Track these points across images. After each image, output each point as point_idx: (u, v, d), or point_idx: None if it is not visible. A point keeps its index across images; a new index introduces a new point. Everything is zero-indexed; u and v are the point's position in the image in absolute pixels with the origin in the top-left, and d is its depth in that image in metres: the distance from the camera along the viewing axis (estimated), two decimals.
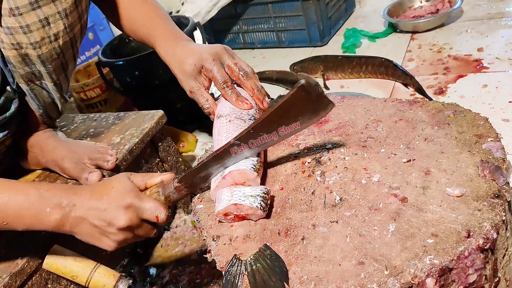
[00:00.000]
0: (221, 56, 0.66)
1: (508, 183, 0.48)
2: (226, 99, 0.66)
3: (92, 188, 0.56)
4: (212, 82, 0.68)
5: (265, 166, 0.61)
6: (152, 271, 1.01)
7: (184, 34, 0.75)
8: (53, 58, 0.71)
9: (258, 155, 0.57)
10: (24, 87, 0.75)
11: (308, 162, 0.58)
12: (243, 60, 0.69)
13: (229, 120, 0.61)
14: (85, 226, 0.54)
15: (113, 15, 0.80)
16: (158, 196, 0.56)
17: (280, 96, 1.48)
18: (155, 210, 0.54)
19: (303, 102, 0.50)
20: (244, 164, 0.54)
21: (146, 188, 0.57)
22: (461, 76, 1.32)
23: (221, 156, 0.54)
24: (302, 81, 0.49)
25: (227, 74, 0.66)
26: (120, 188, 0.54)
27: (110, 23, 2.08)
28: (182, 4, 1.77)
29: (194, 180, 0.56)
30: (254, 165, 0.55)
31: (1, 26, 0.65)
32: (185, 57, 0.68)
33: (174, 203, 0.57)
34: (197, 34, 1.43)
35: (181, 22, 1.46)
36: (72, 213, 0.53)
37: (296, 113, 0.52)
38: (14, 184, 0.56)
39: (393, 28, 1.70)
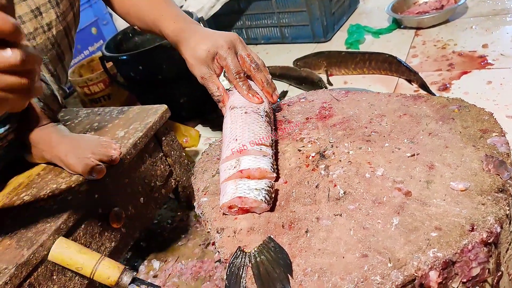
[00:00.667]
0: (235, 45, 0.66)
1: None
2: (237, 90, 0.65)
3: None
4: (224, 71, 0.67)
5: None
6: (156, 264, 1.01)
7: (190, 17, 0.74)
8: (48, 49, 0.71)
9: (274, 156, 0.57)
10: None
11: (312, 156, 0.58)
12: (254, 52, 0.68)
13: (245, 112, 0.61)
14: None
15: (116, 2, 0.79)
16: None
17: (283, 92, 1.48)
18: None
19: None
20: (264, 163, 0.54)
21: None
22: (465, 73, 1.31)
23: None
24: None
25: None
26: None
27: (113, 18, 2.09)
28: None
29: None
30: (273, 165, 0.54)
31: None
32: (199, 42, 0.66)
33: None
34: None
35: None
36: None
37: None
38: None
39: (397, 24, 1.69)
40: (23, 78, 0.36)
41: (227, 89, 0.70)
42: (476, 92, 1.21)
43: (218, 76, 0.68)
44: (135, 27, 0.81)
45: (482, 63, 1.32)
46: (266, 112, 0.63)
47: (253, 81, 0.67)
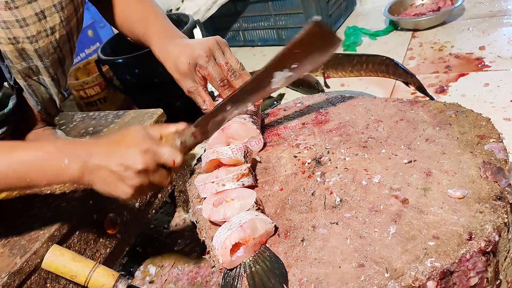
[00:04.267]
0: (214, 53, 0.65)
1: (510, 184, 0.47)
2: (222, 97, 0.66)
3: (109, 138, 0.58)
4: (209, 82, 0.67)
5: (265, 166, 0.60)
6: (152, 269, 1.00)
7: (179, 31, 0.74)
8: (50, 53, 0.70)
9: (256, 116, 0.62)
10: (21, 82, 0.74)
11: (308, 163, 0.57)
12: (235, 56, 0.68)
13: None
14: (103, 173, 0.54)
15: (109, 14, 0.80)
16: (174, 142, 0.57)
17: (280, 95, 1.48)
18: (172, 154, 0.54)
19: (316, 38, 0.53)
20: (241, 118, 0.56)
21: (161, 138, 0.58)
22: (462, 75, 1.31)
23: (236, 99, 0.56)
24: (316, 17, 0.53)
25: None
26: (137, 135, 0.54)
27: None
28: (182, 1, 1.76)
29: (209, 125, 0.59)
30: (254, 122, 0.56)
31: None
32: (178, 55, 0.66)
33: (189, 150, 0.58)
34: (197, 32, 1.42)
35: (181, 20, 1.45)
36: (90, 161, 0.53)
37: (309, 50, 0.54)
38: (30, 143, 0.58)
39: (394, 26, 1.69)
40: (171, 175, 0.55)
41: (216, 96, 0.69)
42: (474, 95, 1.21)
43: (205, 87, 0.68)
44: (128, 38, 0.80)
45: (479, 65, 1.32)
46: (252, 116, 0.64)
47: None
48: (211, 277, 0.93)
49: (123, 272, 1.01)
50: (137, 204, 0.93)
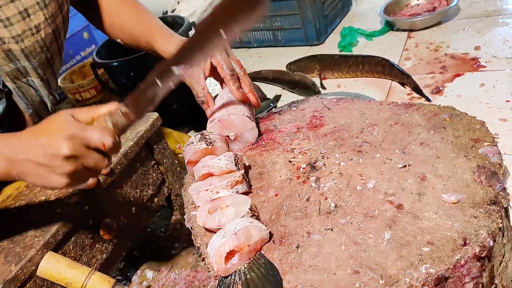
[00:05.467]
0: (227, 48, 0.69)
1: (505, 189, 0.47)
2: (227, 86, 0.67)
3: (31, 129, 0.54)
4: (218, 70, 0.68)
5: (260, 171, 0.60)
6: (149, 274, 1.00)
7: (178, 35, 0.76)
8: (37, 52, 0.70)
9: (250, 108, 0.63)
10: (10, 85, 0.73)
11: (303, 168, 0.57)
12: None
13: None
14: (30, 166, 0.51)
15: (101, 21, 0.80)
16: (106, 124, 0.53)
17: (276, 96, 1.47)
18: (100, 137, 0.51)
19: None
20: (239, 110, 0.57)
21: (93, 121, 0.55)
22: (458, 75, 1.31)
23: (162, 70, 0.52)
24: None
25: None
26: (61, 122, 0.51)
27: None
28: (178, 3, 1.75)
29: (141, 103, 0.54)
30: (250, 116, 0.58)
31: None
32: None
33: (123, 131, 0.55)
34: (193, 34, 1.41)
35: (176, 22, 1.45)
36: (14, 156, 0.51)
37: (235, 11, 0.49)
38: None
39: (390, 26, 1.69)
40: (106, 159, 0.53)
41: (214, 97, 0.70)
42: (469, 95, 1.21)
43: (206, 78, 0.69)
44: (118, 40, 0.81)
45: (474, 66, 1.33)
46: (249, 116, 0.65)
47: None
48: (208, 281, 0.92)
49: (119, 277, 1.01)
50: (133, 208, 0.92)
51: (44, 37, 0.69)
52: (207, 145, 0.57)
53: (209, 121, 0.67)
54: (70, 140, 0.49)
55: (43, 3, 0.66)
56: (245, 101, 0.66)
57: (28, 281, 0.68)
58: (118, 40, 0.81)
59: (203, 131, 0.60)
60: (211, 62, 0.68)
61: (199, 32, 0.52)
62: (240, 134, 0.64)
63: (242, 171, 0.55)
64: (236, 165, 0.55)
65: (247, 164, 0.60)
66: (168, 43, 0.72)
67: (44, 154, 0.50)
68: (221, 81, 0.72)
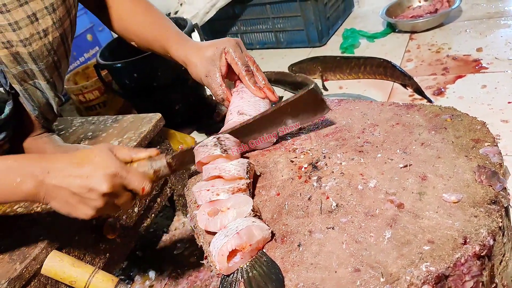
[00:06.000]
0: (241, 46, 0.70)
1: (505, 188, 0.48)
2: (242, 82, 0.68)
3: (70, 156, 0.54)
4: (233, 67, 0.69)
5: (262, 171, 0.61)
6: (152, 274, 1.01)
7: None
8: (44, 55, 0.71)
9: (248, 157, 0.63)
10: (17, 87, 0.74)
11: (305, 167, 0.58)
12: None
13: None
14: (63, 193, 0.52)
15: (113, 22, 0.81)
16: (147, 169, 0.56)
17: (281, 98, 1.48)
18: (142, 182, 0.53)
19: (308, 103, 0.59)
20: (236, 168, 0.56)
21: (131, 162, 0.57)
22: (460, 77, 1.31)
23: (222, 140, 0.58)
24: (313, 85, 0.59)
25: None
26: (104, 157, 0.53)
27: None
28: (181, 4, 1.76)
29: (186, 159, 0.58)
30: (246, 169, 0.56)
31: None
32: (205, 46, 0.70)
33: (160, 178, 0.58)
34: (195, 36, 1.42)
35: (179, 24, 1.46)
36: (46, 180, 0.51)
37: (298, 112, 0.60)
38: None
39: (391, 28, 1.70)
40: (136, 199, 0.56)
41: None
42: (471, 97, 1.21)
43: (223, 76, 0.70)
44: (132, 43, 0.81)
45: (476, 67, 1.33)
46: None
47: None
48: (210, 281, 0.93)
49: (122, 277, 1.01)
50: (136, 209, 0.93)
51: (52, 41, 0.70)
52: (221, 152, 0.56)
53: (228, 118, 0.66)
54: (112, 179, 0.51)
55: (51, 7, 0.67)
56: (262, 96, 0.67)
57: (32, 279, 0.69)
58: (133, 43, 0.81)
59: (219, 135, 0.59)
60: (226, 59, 0.69)
61: (261, 117, 0.60)
62: (259, 140, 0.63)
63: (250, 180, 0.55)
64: (247, 173, 0.55)
65: (258, 174, 0.59)
66: (182, 48, 0.73)
67: (82, 186, 0.51)
68: (236, 79, 0.72)
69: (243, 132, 0.61)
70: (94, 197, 0.51)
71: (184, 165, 0.59)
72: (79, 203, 0.52)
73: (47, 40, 0.69)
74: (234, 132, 0.60)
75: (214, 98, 0.71)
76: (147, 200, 0.95)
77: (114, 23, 0.81)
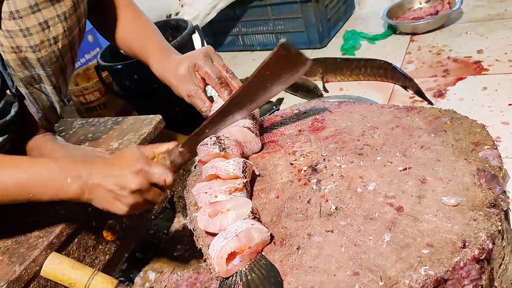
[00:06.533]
0: (211, 55, 0.70)
1: (504, 192, 0.48)
2: (219, 95, 0.68)
3: (106, 158, 0.64)
4: (207, 81, 0.70)
5: (261, 173, 0.61)
6: (152, 275, 1.01)
7: (174, 49, 0.78)
8: (53, 62, 0.71)
9: (254, 118, 0.65)
10: (23, 90, 0.75)
11: (304, 170, 0.58)
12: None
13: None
14: (101, 192, 0.58)
15: (106, 31, 0.82)
16: (164, 161, 0.61)
17: (279, 99, 1.48)
18: (162, 174, 0.58)
19: (284, 60, 0.58)
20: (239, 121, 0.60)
21: (154, 157, 0.63)
22: (460, 79, 1.31)
23: (216, 120, 0.62)
24: (282, 40, 0.57)
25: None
26: (131, 156, 0.59)
27: None
28: (182, 6, 1.77)
29: (195, 144, 0.62)
30: (251, 126, 0.60)
31: (1, 29, 0.65)
32: (179, 63, 0.70)
33: (179, 168, 0.64)
34: (196, 37, 1.43)
35: (179, 25, 1.46)
36: (89, 181, 0.59)
37: (279, 71, 0.59)
38: (35, 160, 0.63)
39: (392, 29, 1.70)
40: (164, 192, 0.61)
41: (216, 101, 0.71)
42: (472, 98, 1.21)
43: (203, 90, 0.71)
44: (121, 51, 0.83)
45: (477, 69, 1.33)
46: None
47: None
48: (210, 283, 0.93)
49: (122, 278, 1.01)
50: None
51: (61, 48, 0.71)
52: (220, 150, 0.58)
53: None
54: (137, 175, 0.57)
55: (63, 16, 0.68)
56: None
57: (32, 281, 0.69)
58: (122, 51, 0.83)
59: (219, 134, 0.61)
60: (199, 74, 0.69)
61: (246, 87, 0.60)
62: (243, 146, 0.63)
63: (246, 180, 0.55)
64: (243, 172, 0.55)
65: (257, 173, 0.60)
66: (161, 67, 0.74)
67: (115, 183, 0.57)
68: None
69: (229, 110, 0.62)
70: (125, 194, 0.57)
71: (196, 150, 0.63)
72: (114, 200, 0.59)
73: (56, 47, 0.70)
74: (222, 111, 0.61)
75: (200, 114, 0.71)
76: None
77: (104, 29, 0.82)
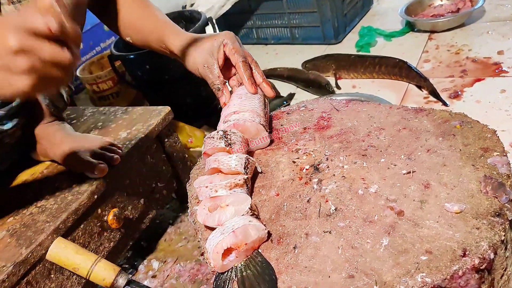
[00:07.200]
0: (238, 40, 0.71)
1: (511, 201, 0.46)
2: (239, 72, 0.68)
3: None
4: (231, 58, 0.69)
5: (263, 170, 0.60)
6: (155, 264, 1.02)
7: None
8: None
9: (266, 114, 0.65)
10: None
11: (306, 169, 0.57)
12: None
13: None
14: None
15: (113, 22, 0.81)
16: (54, 9, 0.43)
17: (290, 94, 1.47)
18: (43, 20, 0.42)
19: None
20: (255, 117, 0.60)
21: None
22: (478, 80, 1.27)
23: None
24: None
25: None
26: (3, 19, 0.47)
27: None
28: None
29: None
30: (265, 124, 0.60)
31: (1, 15, 0.66)
32: (204, 37, 0.71)
33: (78, 10, 0.51)
34: (209, 29, 1.42)
35: (193, 16, 1.46)
36: None
37: None
38: None
39: (410, 27, 1.65)
40: (66, 49, 0.43)
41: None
42: (489, 101, 1.17)
43: (220, 67, 0.70)
44: (127, 39, 0.82)
45: (496, 71, 1.28)
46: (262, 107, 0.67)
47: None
48: (211, 276, 0.94)
49: (126, 265, 1.03)
50: (142, 200, 0.94)
51: None
52: (225, 145, 0.58)
53: (222, 119, 0.66)
54: (14, 31, 0.42)
55: None
56: (253, 92, 0.67)
57: (37, 264, 0.71)
58: (128, 39, 0.82)
59: (227, 129, 0.61)
60: (223, 52, 0.69)
61: None
62: (251, 140, 0.64)
63: (248, 176, 0.55)
64: (245, 168, 0.55)
65: (259, 171, 0.59)
66: (179, 39, 0.74)
67: None
68: (231, 77, 0.72)
69: None
70: (10, 59, 0.42)
71: None
72: (6, 75, 0.43)
73: None
74: None
75: (210, 87, 0.71)
76: (153, 192, 0.96)
77: (110, 17, 0.82)
